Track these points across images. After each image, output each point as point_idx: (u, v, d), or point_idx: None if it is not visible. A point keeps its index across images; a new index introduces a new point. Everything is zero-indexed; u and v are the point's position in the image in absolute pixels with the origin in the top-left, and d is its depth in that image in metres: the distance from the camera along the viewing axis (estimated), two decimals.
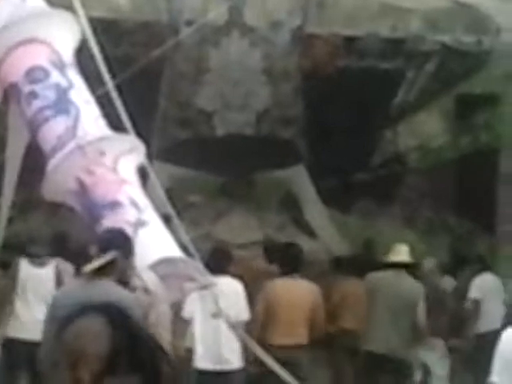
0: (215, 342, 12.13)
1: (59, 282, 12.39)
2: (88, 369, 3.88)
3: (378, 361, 13.17)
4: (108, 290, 7.08)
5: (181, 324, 11.54)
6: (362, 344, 13.53)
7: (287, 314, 12.35)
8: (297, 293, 12.61)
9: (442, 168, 21.49)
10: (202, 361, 12.13)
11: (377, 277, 13.58)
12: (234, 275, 12.75)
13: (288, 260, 13.04)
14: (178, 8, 19.03)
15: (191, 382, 12.49)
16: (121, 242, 7.77)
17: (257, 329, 12.18)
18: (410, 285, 13.46)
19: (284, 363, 10.49)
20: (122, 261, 7.56)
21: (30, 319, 12.18)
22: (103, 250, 7.50)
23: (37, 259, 13.40)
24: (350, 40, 19.94)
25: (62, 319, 6.05)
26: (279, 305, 12.38)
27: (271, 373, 10.65)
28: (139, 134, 10.00)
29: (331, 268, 16.55)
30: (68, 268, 12.81)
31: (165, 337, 8.62)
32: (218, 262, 12.24)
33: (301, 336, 12.44)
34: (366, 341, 13.36)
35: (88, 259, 7.55)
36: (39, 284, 12.93)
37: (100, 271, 7.20)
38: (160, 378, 4.18)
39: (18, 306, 13.09)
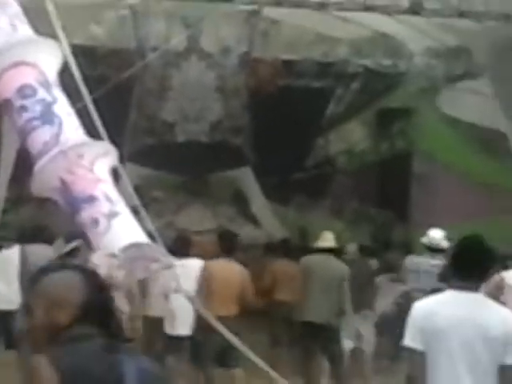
0: (177, 313, 12.93)
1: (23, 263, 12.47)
2: (63, 312, 3.69)
3: (312, 329, 13.80)
4: (77, 268, 8.83)
5: (148, 298, 12.64)
6: (299, 315, 14.04)
7: (220, 290, 12.84)
8: (228, 273, 13.12)
9: (366, 169, 23.76)
10: (169, 328, 13.08)
11: (310, 259, 14.27)
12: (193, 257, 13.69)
13: (223, 245, 13.60)
14: (144, 36, 20.85)
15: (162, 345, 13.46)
16: (82, 235, 9.49)
17: (201, 301, 12.73)
18: (336, 266, 14.10)
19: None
20: (84, 248, 9.23)
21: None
22: (70, 239, 9.35)
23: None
24: (289, 63, 22.16)
25: (36, 272, 5.82)
26: (213, 281, 12.87)
27: (213, 336, 11.91)
28: (113, 141, 11.17)
29: (266, 251, 17.76)
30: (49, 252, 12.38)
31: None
32: (180, 246, 13.24)
33: (231, 308, 12.86)
34: (301, 312, 13.91)
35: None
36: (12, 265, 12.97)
37: (68, 255, 8.97)
38: (121, 332, 3.87)
39: None
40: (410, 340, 6.12)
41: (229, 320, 12.15)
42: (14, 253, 12.93)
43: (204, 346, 12.65)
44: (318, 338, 13.92)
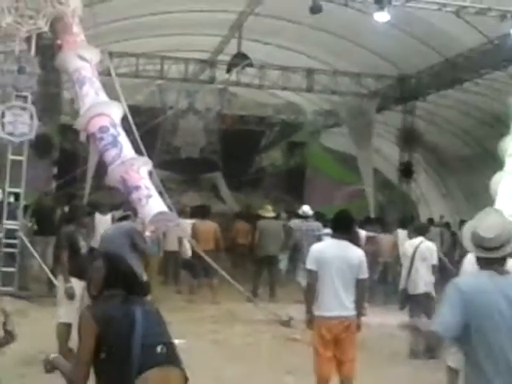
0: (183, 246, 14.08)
1: (112, 222, 11.99)
2: (93, 285, 3.86)
3: (266, 258, 14.62)
4: (126, 225, 8.94)
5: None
6: (259, 252, 14.66)
7: (203, 236, 13.68)
8: (207, 227, 13.98)
9: (281, 174, 26.95)
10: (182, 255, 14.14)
11: (261, 222, 15.03)
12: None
13: (203, 212, 14.59)
14: (165, 101, 23.52)
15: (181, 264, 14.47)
16: (133, 208, 9.92)
17: (194, 242, 13.43)
18: (277, 224, 15.22)
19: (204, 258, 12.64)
20: (132, 215, 9.54)
21: None
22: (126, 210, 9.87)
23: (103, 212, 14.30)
24: (242, 117, 25.22)
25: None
26: (199, 232, 13.75)
27: (201, 260, 12.85)
28: (149, 156, 11.89)
29: (232, 217, 19.55)
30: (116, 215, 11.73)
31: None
32: (200, 213, 14.20)
33: (210, 246, 13.52)
34: (261, 250, 14.62)
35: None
36: (104, 223, 13.19)
37: (124, 218, 9.37)
38: (138, 289, 3.92)
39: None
40: (309, 265, 6.87)
41: (209, 252, 13.18)
42: (108, 216, 13.74)
43: (197, 265, 13.62)
44: (267, 264, 14.67)
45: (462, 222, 9.59)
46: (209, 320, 11.59)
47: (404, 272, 9.73)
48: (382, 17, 13.56)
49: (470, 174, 20.82)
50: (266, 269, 14.56)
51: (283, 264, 15.63)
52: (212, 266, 12.59)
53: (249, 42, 17.44)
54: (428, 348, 9.28)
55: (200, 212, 14.81)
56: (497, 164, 13.82)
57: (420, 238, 10.15)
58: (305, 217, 14.68)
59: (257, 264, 14.77)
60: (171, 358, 3.77)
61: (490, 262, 3.78)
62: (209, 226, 14.11)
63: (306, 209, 14.83)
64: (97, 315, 3.68)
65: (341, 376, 6.83)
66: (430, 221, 17.77)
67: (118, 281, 3.80)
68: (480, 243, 3.77)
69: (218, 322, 11.57)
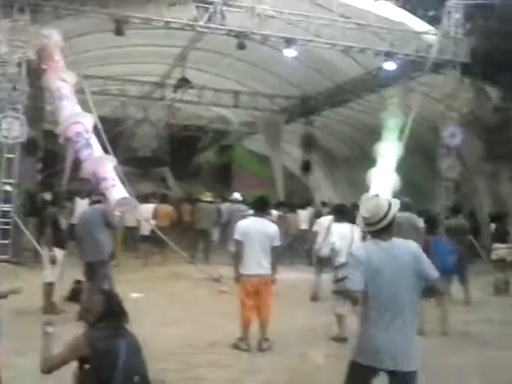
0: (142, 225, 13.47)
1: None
2: (91, 315, 3.59)
3: (201, 231, 14.40)
4: (100, 207, 8.25)
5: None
6: (197, 225, 14.43)
7: (161, 215, 13.51)
8: (163, 208, 13.79)
9: (214, 169, 27.08)
10: (141, 231, 13.59)
11: (200, 204, 14.74)
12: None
13: (163, 198, 14.67)
14: (126, 113, 23.07)
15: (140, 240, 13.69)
16: (103, 194, 9.13)
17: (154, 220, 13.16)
18: (210, 206, 14.76)
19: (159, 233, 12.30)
20: (103, 199, 8.90)
21: None
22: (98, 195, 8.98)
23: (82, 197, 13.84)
24: (185, 126, 24.90)
25: None
26: (159, 212, 13.60)
27: (156, 234, 12.52)
28: (114, 155, 11.19)
29: (178, 201, 18.78)
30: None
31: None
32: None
33: (165, 223, 13.33)
34: (199, 224, 14.39)
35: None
36: (82, 206, 12.63)
37: (97, 202, 8.52)
38: (124, 322, 3.61)
39: None
40: (236, 236, 6.80)
41: (164, 228, 13.04)
42: (85, 201, 12.81)
43: (155, 239, 13.08)
44: (202, 235, 14.42)
45: (355, 206, 9.65)
46: (160, 278, 11.55)
47: (320, 239, 9.47)
48: (290, 53, 13.72)
49: (352, 169, 20.76)
50: (202, 239, 14.34)
51: (215, 236, 15.32)
52: (164, 239, 12.44)
53: (191, 70, 17.47)
54: (314, 296, 9.65)
55: (161, 198, 14.88)
56: (372, 162, 14.40)
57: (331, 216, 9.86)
58: (235, 201, 14.45)
59: (195, 236, 14.47)
60: None
61: (375, 233, 3.81)
62: (166, 208, 14.00)
63: (236, 195, 14.66)
64: (91, 343, 3.44)
65: (260, 318, 6.87)
66: (324, 203, 17.72)
67: (111, 316, 3.57)
68: (365, 221, 3.84)
69: (166, 279, 11.53)
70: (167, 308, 8.84)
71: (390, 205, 3.79)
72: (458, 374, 6.10)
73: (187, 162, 25.57)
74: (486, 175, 15.98)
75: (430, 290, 3.73)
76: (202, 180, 25.26)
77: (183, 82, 17.41)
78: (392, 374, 3.63)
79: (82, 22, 13.00)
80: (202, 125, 25.13)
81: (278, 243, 6.80)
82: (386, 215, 3.76)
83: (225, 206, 14.96)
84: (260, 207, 7.04)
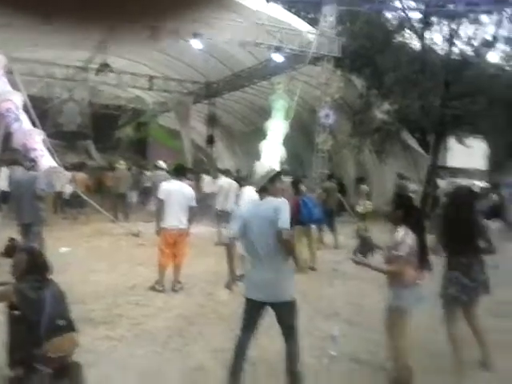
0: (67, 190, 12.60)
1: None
2: (15, 270, 3.42)
3: (119, 195, 13.48)
4: (32, 174, 7.76)
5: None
6: (113, 190, 13.63)
7: (83, 182, 12.92)
8: (80, 176, 13.23)
9: (133, 142, 24.77)
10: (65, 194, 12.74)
11: (117, 172, 14.05)
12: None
13: (80, 166, 14.09)
14: (53, 92, 20.66)
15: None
16: (33, 161, 8.63)
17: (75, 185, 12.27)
18: (126, 172, 14.29)
19: None
20: (35, 165, 8.43)
21: None
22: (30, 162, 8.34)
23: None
24: (105, 105, 22.85)
25: None
26: (79, 180, 12.91)
27: (80, 197, 12.03)
28: (43, 129, 10.53)
29: (101, 169, 17.51)
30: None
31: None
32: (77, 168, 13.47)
33: (89, 189, 13.28)
34: (114, 189, 13.52)
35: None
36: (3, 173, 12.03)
37: (30, 168, 7.98)
38: (47, 275, 3.40)
39: None
40: (159, 195, 6.72)
41: (88, 193, 12.84)
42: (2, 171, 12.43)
43: (81, 202, 12.63)
44: (120, 197, 13.70)
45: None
46: (85, 235, 11.12)
47: (221, 198, 9.70)
48: (196, 44, 13.38)
49: (247, 142, 20.10)
50: (120, 201, 13.75)
51: (134, 198, 14.88)
52: (87, 200, 11.99)
53: (111, 56, 16.52)
54: (217, 243, 9.42)
55: (78, 166, 14.46)
56: (263, 136, 14.56)
57: (228, 179, 10.27)
58: (159, 167, 13.43)
59: (115, 198, 13.84)
60: (68, 327, 3.37)
61: (258, 192, 3.87)
62: (82, 176, 13.72)
63: (161, 163, 13.70)
64: (18, 293, 3.26)
65: (174, 263, 6.91)
66: (219, 170, 16.83)
67: (35, 271, 3.36)
68: (253, 183, 3.92)
69: (91, 235, 11.09)
70: (93, 259, 8.62)
71: (268, 171, 3.82)
72: (329, 302, 6.46)
73: (109, 137, 23.96)
74: (352, 148, 16.39)
75: (276, 237, 3.59)
76: (122, 151, 23.59)
77: (104, 67, 16.52)
78: (271, 306, 3.67)
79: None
80: (121, 104, 23.82)
81: (194, 204, 6.76)
82: (263, 178, 3.80)
83: (150, 173, 14.66)
84: (180, 172, 6.96)
